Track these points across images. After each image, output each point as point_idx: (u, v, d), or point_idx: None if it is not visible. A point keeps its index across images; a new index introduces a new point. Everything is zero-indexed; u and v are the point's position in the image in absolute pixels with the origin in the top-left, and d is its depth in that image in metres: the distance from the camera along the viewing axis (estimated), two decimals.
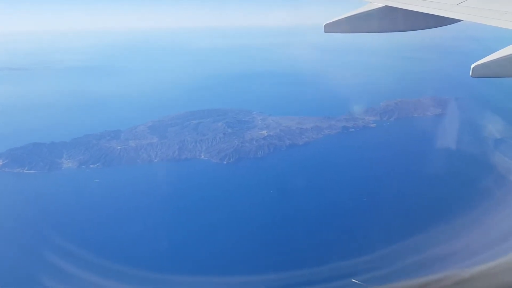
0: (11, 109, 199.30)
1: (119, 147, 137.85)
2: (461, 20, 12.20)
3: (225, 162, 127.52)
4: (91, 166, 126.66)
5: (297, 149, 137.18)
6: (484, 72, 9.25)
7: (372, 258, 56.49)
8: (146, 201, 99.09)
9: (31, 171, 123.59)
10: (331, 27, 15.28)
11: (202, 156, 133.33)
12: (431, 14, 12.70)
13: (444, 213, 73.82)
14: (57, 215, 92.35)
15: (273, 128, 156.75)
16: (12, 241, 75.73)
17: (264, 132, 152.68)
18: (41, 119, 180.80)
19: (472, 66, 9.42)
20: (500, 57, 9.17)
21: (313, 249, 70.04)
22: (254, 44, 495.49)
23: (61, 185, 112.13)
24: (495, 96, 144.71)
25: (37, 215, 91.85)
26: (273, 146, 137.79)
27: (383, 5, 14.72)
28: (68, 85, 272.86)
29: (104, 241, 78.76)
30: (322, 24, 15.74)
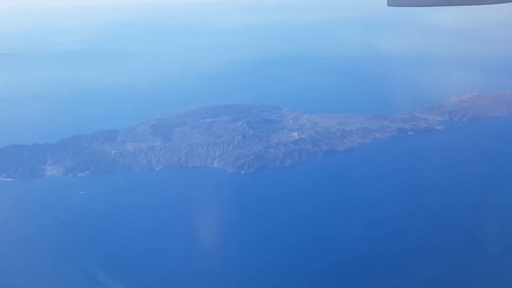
0: None
1: (114, 151, 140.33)
2: None
3: (243, 173, 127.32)
4: (79, 174, 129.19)
5: (337, 157, 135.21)
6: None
7: None
8: (143, 219, 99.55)
9: (8, 179, 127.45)
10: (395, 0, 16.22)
11: (215, 164, 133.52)
12: None
13: None
14: (33, 235, 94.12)
15: (307, 130, 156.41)
16: None
17: (295, 134, 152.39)
18: (24, 116, 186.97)
19: None
20: None
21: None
22: (288, 20, 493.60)
23: (42, 197, 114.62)
24: None
25: (11, 234, 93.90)
26: (306, 152, 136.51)
27: None
28: (59, 73, 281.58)
29: (86, 273, 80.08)
30: None
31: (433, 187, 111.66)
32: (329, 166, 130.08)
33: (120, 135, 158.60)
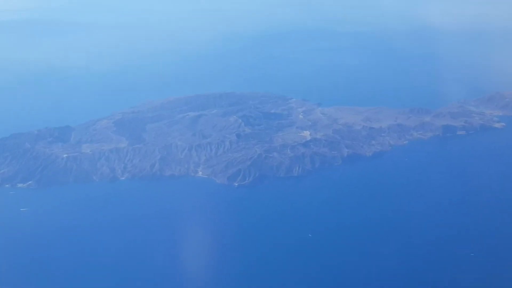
0: None
1: (65, 155, 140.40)
2: None
3: (236, 184, 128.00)
4: (19, 185, 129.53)
5: (362, 164, 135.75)
6: None
7: None
8: (99, 247, 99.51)
9: None
10: None
11: (200, 173, 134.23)
12: None
13: None
14: None
15: (322, 127, 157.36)
16: None
17: (307, 133, 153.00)
18: None
19: None
20: None
21: None
22: None
23: None
24: None
25: None
26: (321, 158, 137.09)
27: None
28: None
29: None
30: None
31: (497, 208, 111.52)
32: (350, 177, 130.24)
33: (74, 133, 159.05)
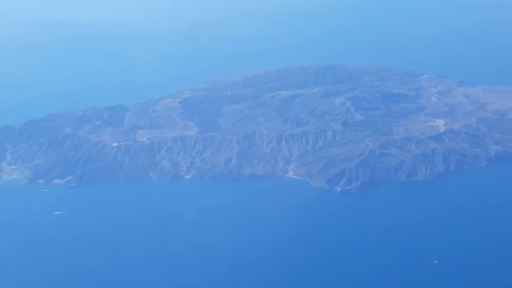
0: None
1: (115, 144, 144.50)
2: None
3: (338, 190, 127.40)
4: (56, 181, 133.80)
5: None
6: None
7: None
8: (162, 274, 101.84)
9: None
10: None
11: (291, 173, 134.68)
12: None
13: None
14: None
15: (463, 115, 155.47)
16: None
17: (440, 122, 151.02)
18: None
19: None
20: None
21: None
22: None
23: None
24: None
25: None
26: (459, 156, 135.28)
27: None
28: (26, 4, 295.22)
29: None
30: None
31: None
32: (499, 183, 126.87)
33: (128, 115, 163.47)
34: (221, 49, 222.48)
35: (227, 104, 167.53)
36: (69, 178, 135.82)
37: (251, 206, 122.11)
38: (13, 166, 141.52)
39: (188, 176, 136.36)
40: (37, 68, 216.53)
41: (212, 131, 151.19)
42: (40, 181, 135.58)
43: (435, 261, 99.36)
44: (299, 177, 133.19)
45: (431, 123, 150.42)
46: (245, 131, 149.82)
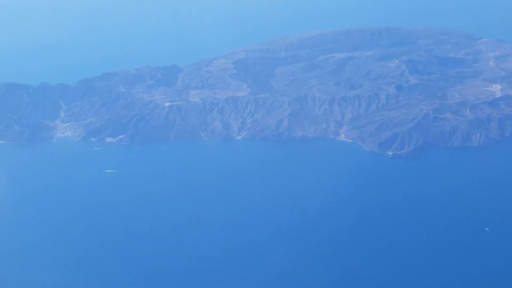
0: None
1: (167, 103, 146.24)
2: None
3: (390, 154, 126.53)
4: (108, 139, 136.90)
5: None
6: None
7: None
8: (208, 234, 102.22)
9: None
10: None
11: (342, 136, 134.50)
12: None
13: None
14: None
15: None
16: None
17: (497, 87, 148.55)
18: (26, 39, 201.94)
19: None
20: None
21: None
22: None
23: (44, 175, 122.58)
24: None
25: None
26: None
27: None
28: None
29: None
30: None
31: None
32: None
33: (182, 75, 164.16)
34: (276, 11, 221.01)
35: (280, 66, 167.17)
36: (121, 136, 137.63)
37: (301, 168, 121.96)
38: (66, 124, 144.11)
39: (239, 137, 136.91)
40: (93, 28, 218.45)
41: (264, 93, 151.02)
42: (93, 139, 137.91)
43: (486, 229, 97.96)
44: (350, 140, 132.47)
45: (487, 88, 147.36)
46: (298, 93, 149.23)
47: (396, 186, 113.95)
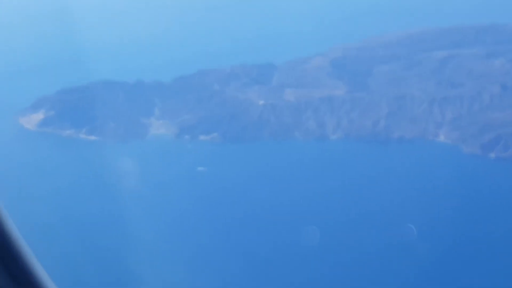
0: None
1: (262, 102, 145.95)
2: None
3: (492, 156, 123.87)
4: (201, 137, 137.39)
5: None
6: None
7: None
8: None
9: (91, 137, 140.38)
10: None
11: (442, 137, 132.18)
12: None
13: None
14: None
15: None
16: None
17: None
18: (121, 33, 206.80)
19: None
20: None
21: None
22: None
23: (137, 170, 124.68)
24: None
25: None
26: None
27: None
28: None
29: None
30: None
31: None
32: None
33: (277, 73, 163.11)
34: (376, 8, 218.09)
35: (379, 64, 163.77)
36: (214, 134, 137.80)
37: (399, 170, 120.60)
38: (161, 121, 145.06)
39: (333, 137, 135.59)
40: (189, 24, 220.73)
41: (361, 91, 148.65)
42: (186, 136, 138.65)
43: None
44: (450, 141, 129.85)
45: None
46: (396, 92, 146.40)
47: (499, 191, 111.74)
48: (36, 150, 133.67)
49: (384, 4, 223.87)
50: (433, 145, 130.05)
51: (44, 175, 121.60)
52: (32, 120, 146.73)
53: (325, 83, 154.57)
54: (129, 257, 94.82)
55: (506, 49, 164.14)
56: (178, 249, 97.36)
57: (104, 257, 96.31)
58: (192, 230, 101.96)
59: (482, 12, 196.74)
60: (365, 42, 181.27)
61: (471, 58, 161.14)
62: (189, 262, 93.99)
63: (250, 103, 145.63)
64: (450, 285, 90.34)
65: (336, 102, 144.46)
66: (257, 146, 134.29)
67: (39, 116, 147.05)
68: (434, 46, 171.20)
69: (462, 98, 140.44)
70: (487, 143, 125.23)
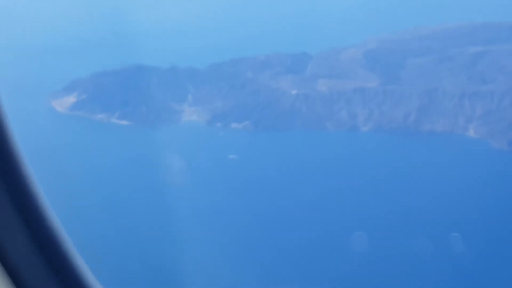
0: None
1: (295, 91, 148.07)
2: None
3: None
4: (233, 125, 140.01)
5: None
6: None
7: None
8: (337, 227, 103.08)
9: (122, 122, 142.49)
10: None
11: (471, 132, 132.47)
12: None
13: None
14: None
15: None
16: None
17: None
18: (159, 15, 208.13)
19: None
20: None
21: None
22: None
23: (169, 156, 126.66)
24: None
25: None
26: None
27: None
28: None
29: None
30: None
31: None
32: None
33: (311, 63, 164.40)
34: (412, 0, 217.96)
35: (412, 57, 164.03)
36: (246, 122, 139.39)
37: (427, 163, 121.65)
38: (193, 108, 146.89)
39: (365, 128, 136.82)
40: (224, 10, 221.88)
41: (393, 84, 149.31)
42: (218, 124, 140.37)
43: None
44: (479, 136, 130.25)
45: None
46: (427, 86, 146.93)
47: None
48: (66, 134, 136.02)
49: None
50: (462, 140, 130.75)
51: (73, 159, 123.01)
52: (64, 103, 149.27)
53: (358, 75, 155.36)
54: (162, 244, 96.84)
55: None
56: (206, 236, 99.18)
57: (139, 242, 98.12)
58: (220, 220, 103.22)
59: None
60: (400, 35, 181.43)
61: (504, 54, 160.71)
62: (218, 252, 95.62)
63: (283, 92, 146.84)
64: None
65: (368, 94, 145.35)
66: (289, 135, 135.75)
67: (71, 99, 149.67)
68: (468, 41, 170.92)
69: (493, 94, 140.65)
70: None
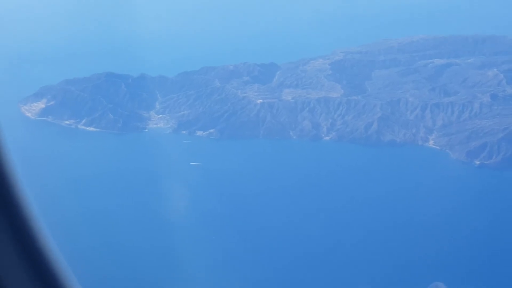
0: None
1: (259, 101, 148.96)
2: None
3: (477, 163, 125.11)
4: (198, 133, 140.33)
5: None
6: None
7: None
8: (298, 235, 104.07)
9: (90, 128, 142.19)
10: None
11: (431, 143, 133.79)
12: None
13: None
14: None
15: None
16: None
17: None
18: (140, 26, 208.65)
19: None
20: None
21: None
22: None
23: (131, 165, 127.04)
24: None
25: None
26: None
27: None
28: None
29: None
30: None
31: None
32: None
33: (278, 73, 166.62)
34: (381, 14, 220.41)
35: (378, 69, 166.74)
36: (211, 130, 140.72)
37: (386, 172, 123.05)
38: (160, 115, 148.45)
39: (327, 138, 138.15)
40: (197, 23, 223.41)
41: (357, 95, 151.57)
42: (184, 131, 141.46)
43: None
44: (438, 147, 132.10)
45: None
46: (391, 97, 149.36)
47: (481, 196, 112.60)
48: (34, 138, 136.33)
49: (389, 10, 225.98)
50: (422, 150, 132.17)
51: (40, 163, 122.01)
52: (33, 109, 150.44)
53: (324, 85, 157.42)
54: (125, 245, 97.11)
55: (501, 60, 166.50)
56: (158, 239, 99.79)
57: (103, 244, 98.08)
58: (181, 224, 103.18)
59: (481, 23, 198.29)
60: (366, 47, 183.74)
61: (467, 67, 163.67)
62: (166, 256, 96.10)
63: (249, 101, 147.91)
64: None
65: (332, 104, 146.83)
66: (252, 143, 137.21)
67: (40, 105, 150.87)
68: (433, 54, 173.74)
69: (454, 106, 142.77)
70: (473, 150, 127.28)
